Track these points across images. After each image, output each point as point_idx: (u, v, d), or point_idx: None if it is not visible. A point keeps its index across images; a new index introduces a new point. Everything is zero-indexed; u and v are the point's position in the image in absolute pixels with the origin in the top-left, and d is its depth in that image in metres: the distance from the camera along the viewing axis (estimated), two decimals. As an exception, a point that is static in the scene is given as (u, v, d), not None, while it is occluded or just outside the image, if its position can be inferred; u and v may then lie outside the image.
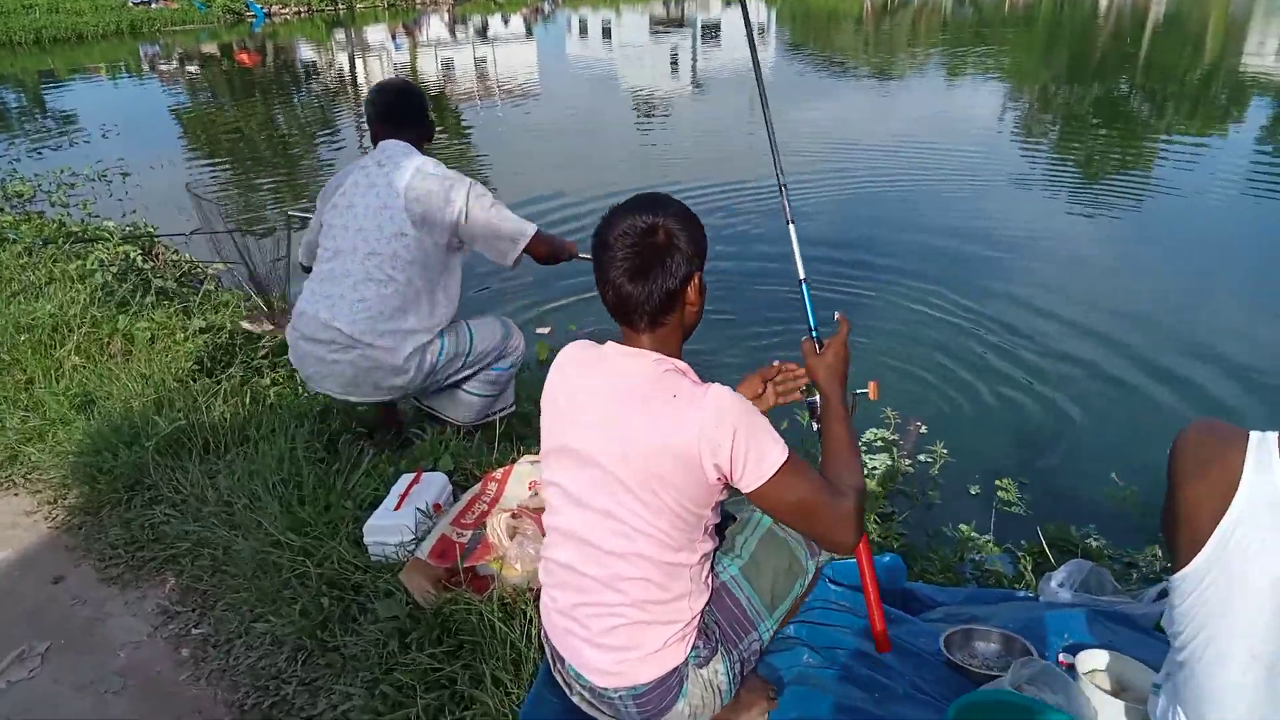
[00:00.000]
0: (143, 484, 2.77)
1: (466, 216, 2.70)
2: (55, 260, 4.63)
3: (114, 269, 4.67)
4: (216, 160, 10.65)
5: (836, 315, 1.89)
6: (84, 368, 3.42)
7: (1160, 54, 17.95)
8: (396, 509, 2.32)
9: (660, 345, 1.59)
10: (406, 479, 2.47)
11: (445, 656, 1.98)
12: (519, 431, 3.11)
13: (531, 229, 2.80)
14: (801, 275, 2.03)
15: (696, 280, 1.57)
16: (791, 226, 2.09)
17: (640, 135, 11.68)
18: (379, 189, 2.68)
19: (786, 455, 1.51)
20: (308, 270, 2.90)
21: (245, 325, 3.96)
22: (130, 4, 27.32)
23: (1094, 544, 2.64)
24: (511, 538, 2.14)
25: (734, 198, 8.09)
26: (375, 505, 2.49)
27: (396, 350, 2.67)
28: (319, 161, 10.65)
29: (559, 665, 1.69)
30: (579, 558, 1.60)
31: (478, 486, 2.47)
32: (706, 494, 1.53)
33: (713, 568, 1.67)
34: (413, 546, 2.27)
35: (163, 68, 20.68)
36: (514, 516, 2.13)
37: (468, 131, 12.26)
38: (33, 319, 3.61)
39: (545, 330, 5.60)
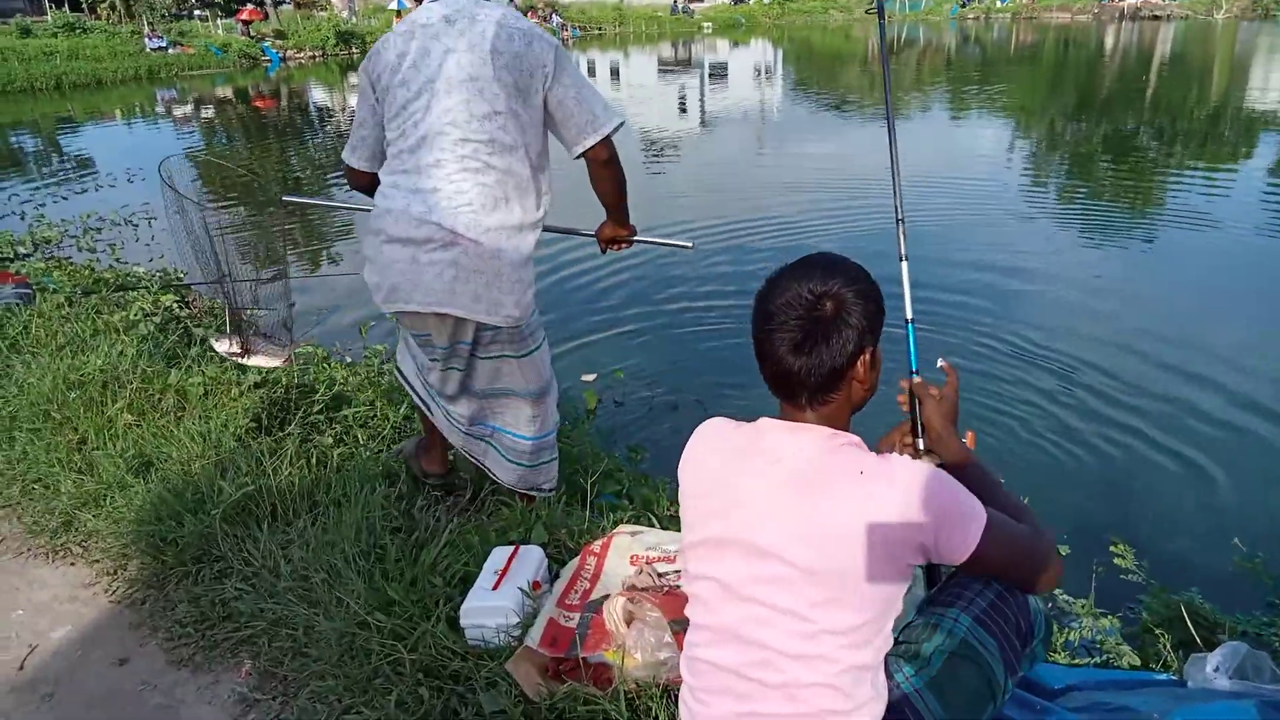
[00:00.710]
0: (210, 555, 2.58)
1: (554, 79, 2.25)
2: (98, 311, 4.46)
3: (155, 319, 4.52)
4: (228, 200, 10.56)
5: (941, 363, 1.78)
6: (137, 426, 3.24)
7: (1168, 91, 17.97)
8: (495, 588, 2.13)
9: (826, 422, 1.42)
10: (501, 553, 2.28)
11: (568, 760, 1.79)
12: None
13: (619, 119, 2.37)
14: (909, 315, 1.93)
15: (868, 356, 1.40)
16: (904, 264, 1.99)
17: (648, 173, 11.63)
18: (458, 56, 2.20)
19: (986, 512, 1.36)
20: (355, 172, 2.48)
21: (213, 343, 3.77)
22: (148, 50, 27.52)
23: (1237, 624, 2.44)
24: (628, 624, 1.95)
25: (758, 232, 8.08)
26: (465, 581, 2.31)
27: (502, 253, 2.28)
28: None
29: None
30: (745, 661, 1.42)
31: (576, 561, 2.28)
32: (903, 579, 1.35)
33: (888, 671, 1.49)
34: (517, 631, 2.08)
35: (177, 111, 20.76)
36: (631, 600, 1.94)
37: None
38: (82, 374, 3.44)
39: (590, 377, 5.43)
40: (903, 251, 2.02)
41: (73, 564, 2.76)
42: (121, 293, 5.00)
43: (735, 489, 1.42)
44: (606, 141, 2.35)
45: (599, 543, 2.32)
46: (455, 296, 2.29)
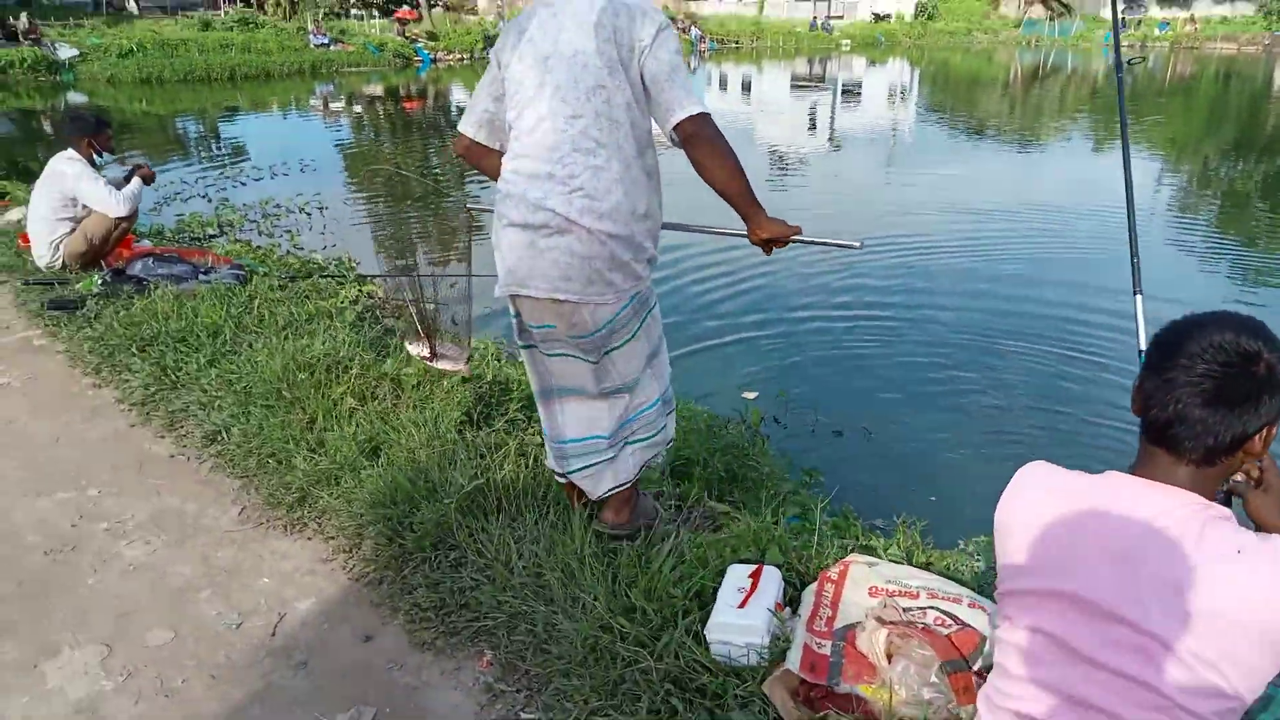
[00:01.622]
0: (445, 542, 2.66)
1: (650, 52, 2.13)
2: (306, 296, 4.69)
3: (357, 307, 4.71)
4: (375, 195, 10.97)
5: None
6: (359, 410, 3.37)
7: None
8: (741, 606, 2.12)
9: (1197, 485, 1.34)
10: (740, 570, 2.27)
11: (834, 791, 1.76)
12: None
13: (705, 106, 2.16)
14: (1143, 346, 1.84)
15: (1270, 431, 1.32)
16: (1139, 297, 1.92)
17: (776, 188, 11.56)
18: (568, 31, 2.15)
19: None
20: (462, 140, 2.42)
21: (407, 346, 3.83)
22: (312, 45, 28.90)
23: None
24: (889, 658, 1.91)
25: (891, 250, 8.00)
26: (700, 595, 2.31)
27: (618, 237, 2.20)
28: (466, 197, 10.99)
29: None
30: None
31: (814, 587, 2.25)
32: (1274, 671, 1.26)
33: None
34: (763, 652, 2.07)
35: (333, 105, 21.71)
36: (898, 635, 1.90)
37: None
38: (309, 357, 3.61)
39: (752, 395, 5.41)
40: (1137, 285, 1.98)
41: (309, 538, 2.89)
42: (329, 280, 5.22)
43: (1080, 543, 1.36)
44: (701, 118, 2.12)
45: (835, 569, 2.28)
46: (571, 282, 2.22)
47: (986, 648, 1.94)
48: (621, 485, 2.54)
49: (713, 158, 2.14)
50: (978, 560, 2.91)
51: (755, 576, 2.20)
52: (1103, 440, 4.73)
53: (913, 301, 6.99)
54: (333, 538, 2.85)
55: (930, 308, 6.86)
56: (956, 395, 5.37)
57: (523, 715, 2.15)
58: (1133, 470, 1.40)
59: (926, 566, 2.63)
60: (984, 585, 2.57)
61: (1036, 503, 1.45)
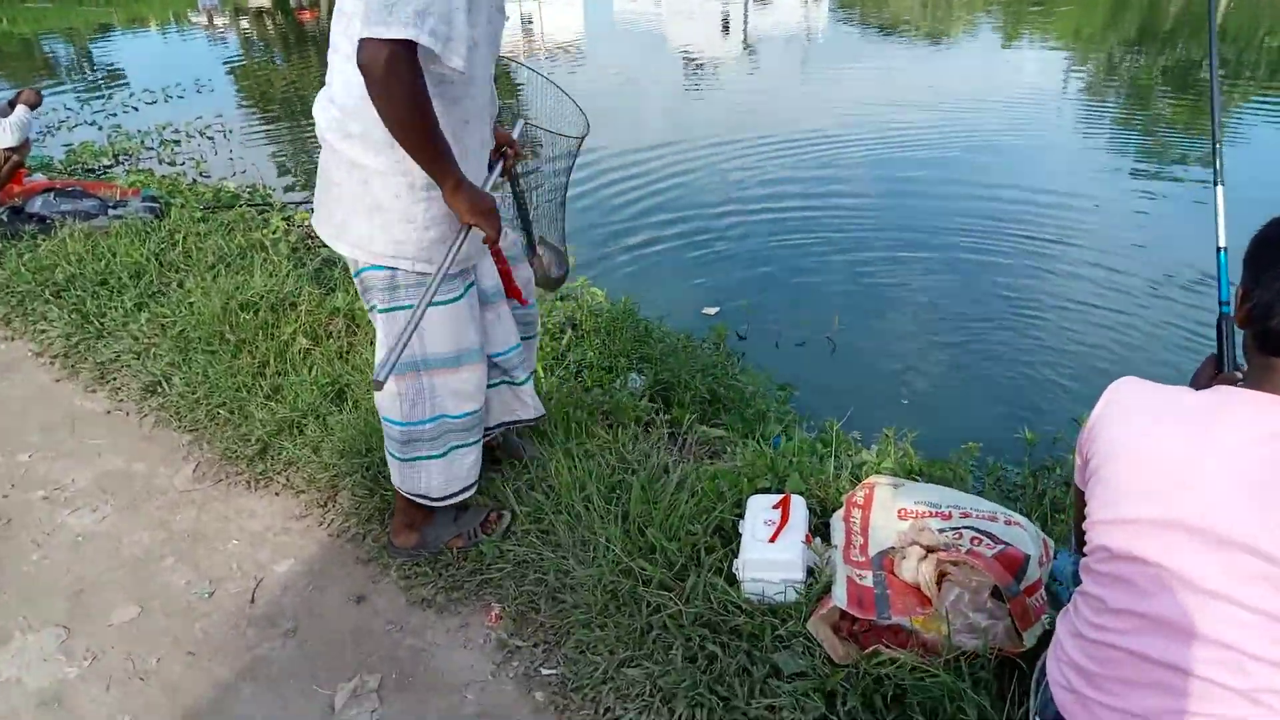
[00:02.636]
0: (433, 491, 2.44)
1: None
2: (233, 228, 4.27)
3: (291, 239, 4.33)
4: (279, 116, 10.26)
5: None
6: (314, 351, 3.08)
7: (1237, 22, 17.12)
8: (773, 540, 1.99)
9: None
10: (762, 501, 2.13)
11: (897, 730, 1.66)
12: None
13: (405, 30, 1.54)
14: (1222, 243, 1.81)
15: None
16: (1220, 189, 1.82)
17: (692, 93, 11.26)
18: None
19: None
20: None
21: None
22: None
23: None
24: (939, 585, 1.80)
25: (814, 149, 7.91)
26: (720, 530, 2.17)
27: (342, 165, 1.87)
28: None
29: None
30: (1194, 658, 1.25)
31: (841, 513, 2.13)
32: None
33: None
34: (799, 588, 1.94)
35: (219, 21, 20.20)
36: (952, 561, 1.79)
37: (519, 89, 11.78)
38: (251, 294, 3.27)
39: (713, 311, 5.24)
40: (1219, 176, 1.86)
41: (277, 494, 2.64)
42: (255, 210, 4.78)
43: (1191, 466, 1.24)
44: (378, 46, 1.54)
45: (860, 493, 2.16)
46: (317, 210, 1.99)
47: (1030, 567, 1.85)
48: (407, 491, 2.21)
49: (380, 102, 1.62)
50: (974, 471, 2.85)
51: (784, 507, 2.06)
52: (1066, 328, 4.72)
53: (848, 202, 6.84)
54: (303, 491, 2.60)
55: (868, 207, 6.73)
56: (909, 294, 5.29)
57: (544, 671, 1.99)
58: (1245, 385, 1.27)
59: (918, 475, 2.55)
60: (1005, 498, 2.50)
61: (1132, 426, 1.32)
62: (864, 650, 1.79)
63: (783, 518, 2.01)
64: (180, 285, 3.56)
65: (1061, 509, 2.48)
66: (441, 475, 2.15)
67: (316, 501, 2.56)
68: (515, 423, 2.40)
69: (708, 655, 1.87)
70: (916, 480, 2.35)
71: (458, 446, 2.15)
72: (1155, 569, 1.28)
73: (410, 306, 1.92)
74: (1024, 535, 1.94)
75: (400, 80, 1.58)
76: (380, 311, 1.98)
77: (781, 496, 2.09)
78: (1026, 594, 1.79)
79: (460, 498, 2.21)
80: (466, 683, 1.99)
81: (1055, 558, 2.00)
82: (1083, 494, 1.44)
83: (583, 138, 2.25)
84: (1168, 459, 1.27)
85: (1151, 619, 1.29)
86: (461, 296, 2.00)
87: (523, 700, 1.94)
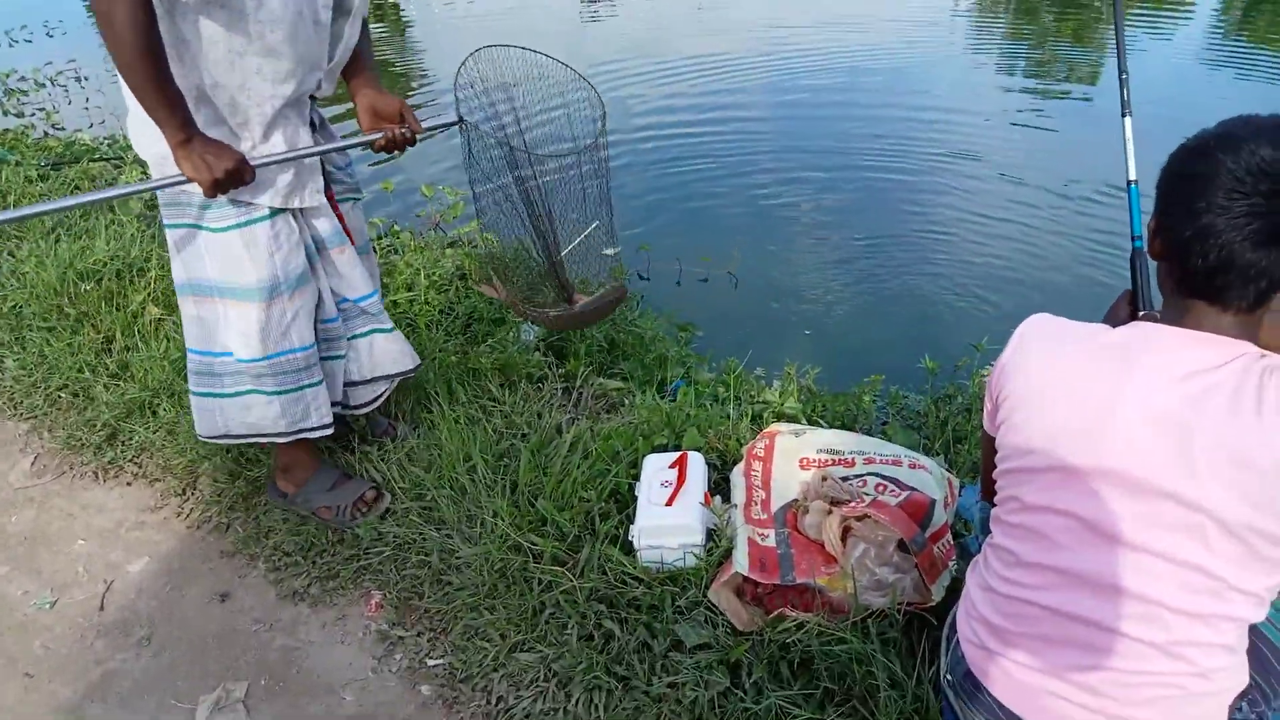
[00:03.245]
0: (302, 471, 2.21)
1: None
2: (77, 186, 3.84)
3: (144, 196, 3.92)
4: None
5: None
6: (166, 320, 2.77)
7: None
8: (669, 503, 1.84)
9: (1245, 332, 1.11)
10: (657, 461, 1.97)
11: (806, 701, 1.55)
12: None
13: None
14: (1132, 175, 1.73)
15: None
16: (1128, 120, 1.77)
17: (590, 21, 10.84)
18: None
19: None
20: None
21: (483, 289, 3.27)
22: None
23: None
24: (843, 541, 1.69)
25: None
26: (616, 495, 2.01)
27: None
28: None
29: None
30: (1112, 613, 1.15)
31: (741, 467, 1.99)
32: None
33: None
34: (702, 551, 1.80)
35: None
36: (854, 516, 1.66)
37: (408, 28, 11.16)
38: (93, 261, 2.92)
39: (613, 251, 4.98)
40: (1127, 108, 1.75)
41: (129, 484, 2.37)
42: (100, 164, 4.32)
43: (1110, 409, 1.12)
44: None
45: (760, 444, 2.02)
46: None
47: (936, 511, 1.75)
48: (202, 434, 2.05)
49: (101, 31, 1.47)
50: (877, 402, 2.76)
51: (679, 466, 1.91)
52: (971, 241, 4.67)
53: (742, 125, 6.64)
54: (158, 480, 2.34)
55: (762, 130, 6.54)
56: (809, 216, 5.16)
57: (429, 661, 1.82)
58: (1164, 321, 1.15)
59: (822, 411, 2.45)
60: (907, 427, 2.41)
61: (1048, 367, 1.19)
62: (768, 614, 1.67)
63: (679, 478, 1.86)
64: (11, 255, 3.17)
65: (964, 438, 2.41)
66: (234, 417, 1.96)
67: (173, 490, 2.30)
68: (403, 374, 2.17)
69: (604, 633, 1.72)
70: (820, 425, 2.24)
71: (251, 391, 1.93)
72: (1071, 520, 1.17)
73: (172, 226, 1.83)
74: (929, 479, 1.84)
75: (115, 8, 1.44)
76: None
77: (678, 455, 1.94)
78: (932, 540, 1.69)
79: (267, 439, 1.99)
80: (345, 682, 1.80)
81: (960, 494, 1.91)
82: (992, 440, 1.32)
83: (588, 146, 1.98)
84: (1083, 401, 1.15)
85: (1067, 573, 1.19)
86: (233, 228, 1.78)
87: (407, 696, 1.76)
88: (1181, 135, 1.11)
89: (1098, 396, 1.13)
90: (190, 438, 2.32)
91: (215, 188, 1.63)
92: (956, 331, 3.94)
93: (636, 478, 1.99)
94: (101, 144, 5.31)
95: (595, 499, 1.96)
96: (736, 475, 1.97)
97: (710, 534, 1.84)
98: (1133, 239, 1.70)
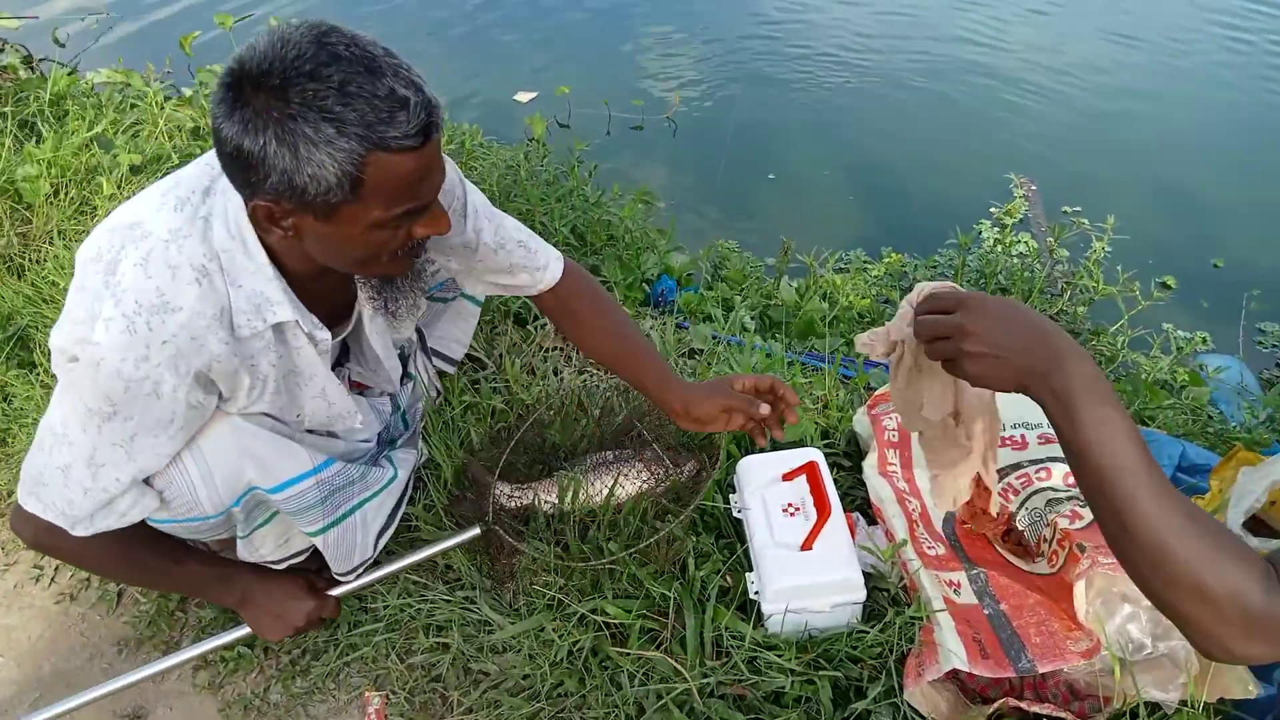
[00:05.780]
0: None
1: None
2: None
3: None
4: None
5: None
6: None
7: None
8: (807, 546, 1.22)
9: None
10: (765, 468, 1.33)
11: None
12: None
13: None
14: None
15: None
16: None
17: None
18: None
19: None
20: None
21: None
22: None
23: None
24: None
25: None
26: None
27: None
28: None
29: None
30: None
31: (875, 461, 1.39)
32: None
33: None
34: (860, 611, 1.23)
35: None
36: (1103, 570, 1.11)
37: None
38: None
39: (528, 97, 4.03)
40: None
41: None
42: None
43: None
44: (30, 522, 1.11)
45: (885, 417, 1.41)
46: None
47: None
48: None
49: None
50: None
51: (813, 483, 1.25)
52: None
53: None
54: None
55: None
56: (746, 51, 4.37)
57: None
58: None
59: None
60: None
61: None
62: (987, 705, 1.13)
63: (818, 503, 1.22)
64: None
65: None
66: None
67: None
68: None
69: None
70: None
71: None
72: None
73: None
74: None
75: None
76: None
77: (802, 464, 1.28)
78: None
79: None
80: None
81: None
82: None
83: None
84: None
85: None
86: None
87: None
88: None
89: None
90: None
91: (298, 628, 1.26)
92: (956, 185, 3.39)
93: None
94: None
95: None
96: (874, 477, 1.37)
97: (868, 578, 1.25)
98: None
